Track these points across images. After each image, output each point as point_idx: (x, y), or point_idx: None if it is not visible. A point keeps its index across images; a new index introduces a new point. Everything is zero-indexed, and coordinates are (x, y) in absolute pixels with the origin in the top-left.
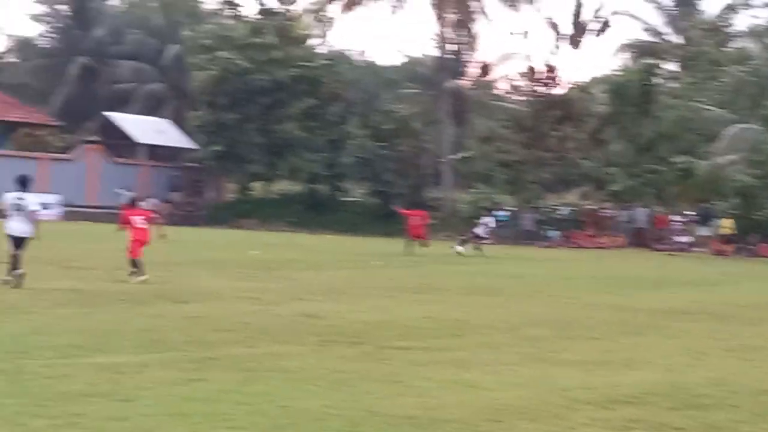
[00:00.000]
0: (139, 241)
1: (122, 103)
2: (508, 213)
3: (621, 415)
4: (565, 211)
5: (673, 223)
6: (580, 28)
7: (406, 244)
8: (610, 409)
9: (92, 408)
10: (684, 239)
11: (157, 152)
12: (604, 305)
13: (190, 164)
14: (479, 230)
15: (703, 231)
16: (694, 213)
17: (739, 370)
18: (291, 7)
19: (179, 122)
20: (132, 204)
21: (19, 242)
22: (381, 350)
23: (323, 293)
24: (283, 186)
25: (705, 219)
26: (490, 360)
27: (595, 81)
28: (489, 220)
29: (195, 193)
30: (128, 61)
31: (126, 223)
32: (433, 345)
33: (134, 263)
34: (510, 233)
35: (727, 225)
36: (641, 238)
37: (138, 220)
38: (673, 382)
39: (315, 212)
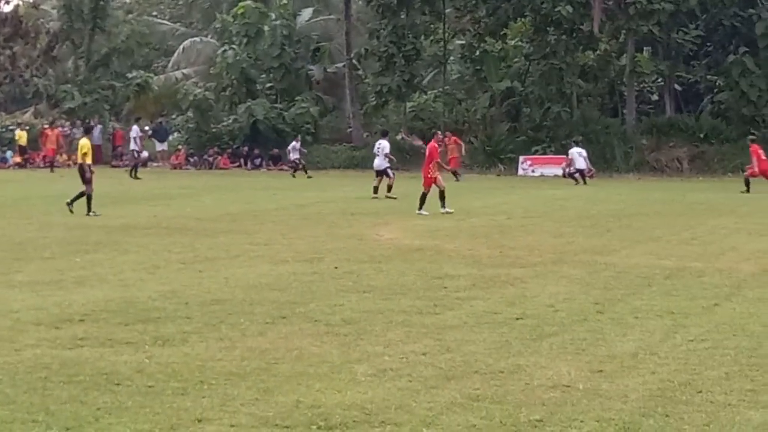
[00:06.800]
0: None
1: None
2: None
3: (70, 333)
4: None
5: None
6: None
7: None
8: (59, 328)
9: None
10: (142, 154)
11: None
12: (58, 224)
13: None
14: None
15: (161, 146)
16: (150, 128)
17: (191, 281)
18: None
19: None
20: None
21: None
22: None
23: None
24: None
25: (161, 134)
26: None
27: None
28: None
29: None
30: None
31: None
32: None
33: None
34: None
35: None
36: (98, 155)
37: None
38: (126, 297)
39: None
